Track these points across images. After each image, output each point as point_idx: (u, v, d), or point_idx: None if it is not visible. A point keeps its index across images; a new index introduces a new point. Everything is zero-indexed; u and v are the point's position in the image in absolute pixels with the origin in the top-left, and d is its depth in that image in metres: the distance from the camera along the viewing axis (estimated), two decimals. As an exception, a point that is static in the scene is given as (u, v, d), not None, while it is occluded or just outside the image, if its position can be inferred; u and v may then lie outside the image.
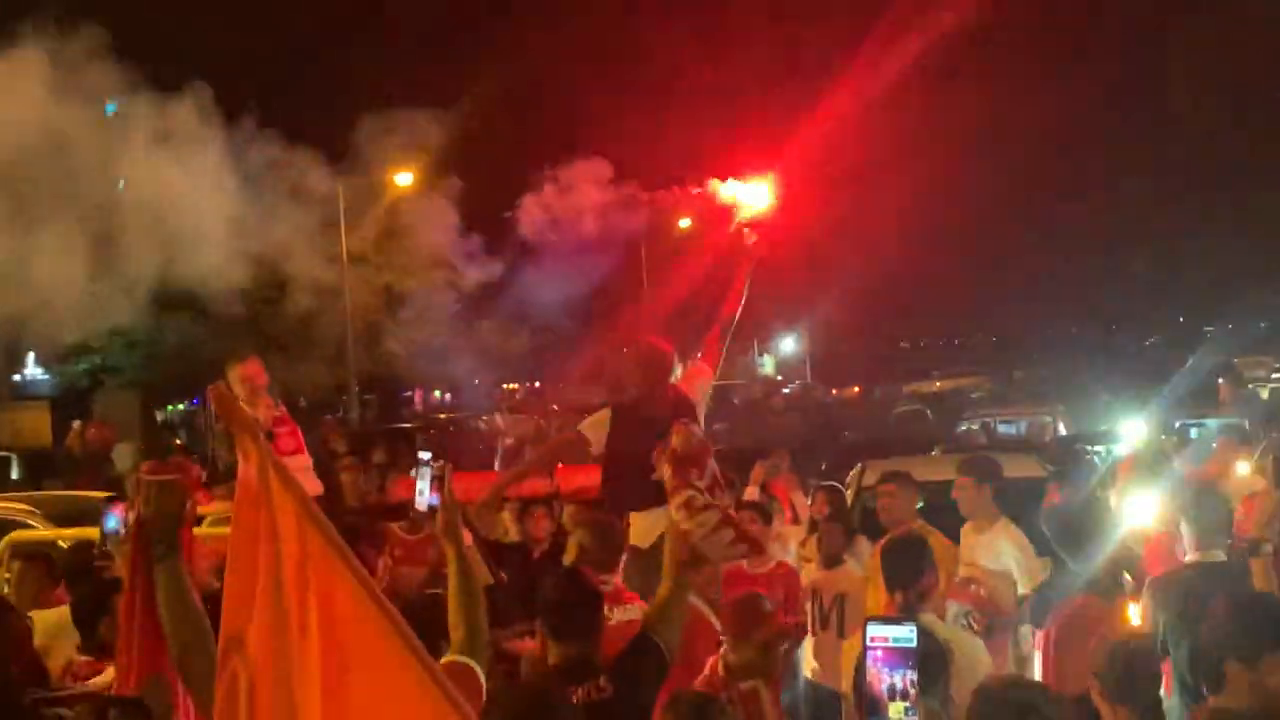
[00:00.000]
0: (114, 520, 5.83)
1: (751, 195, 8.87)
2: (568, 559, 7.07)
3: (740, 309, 8.40)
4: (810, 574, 8.93)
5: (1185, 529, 6.67)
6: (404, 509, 9.31)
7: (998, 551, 7.72)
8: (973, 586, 7.24)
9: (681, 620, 5.52)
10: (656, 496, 7.48)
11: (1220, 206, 74.79)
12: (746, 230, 8.76)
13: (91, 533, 8.54)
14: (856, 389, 59.37)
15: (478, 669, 4.97)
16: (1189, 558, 6.63)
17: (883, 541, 7.12)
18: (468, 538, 5.79)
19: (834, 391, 57.73)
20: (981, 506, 8.19)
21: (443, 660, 5.30)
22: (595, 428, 7.98)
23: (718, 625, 6.08)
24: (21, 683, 5.68)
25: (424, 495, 5.47)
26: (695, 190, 9.01)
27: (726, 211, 8.89)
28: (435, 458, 5.73)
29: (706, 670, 6.00)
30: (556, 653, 5.45)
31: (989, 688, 4.36)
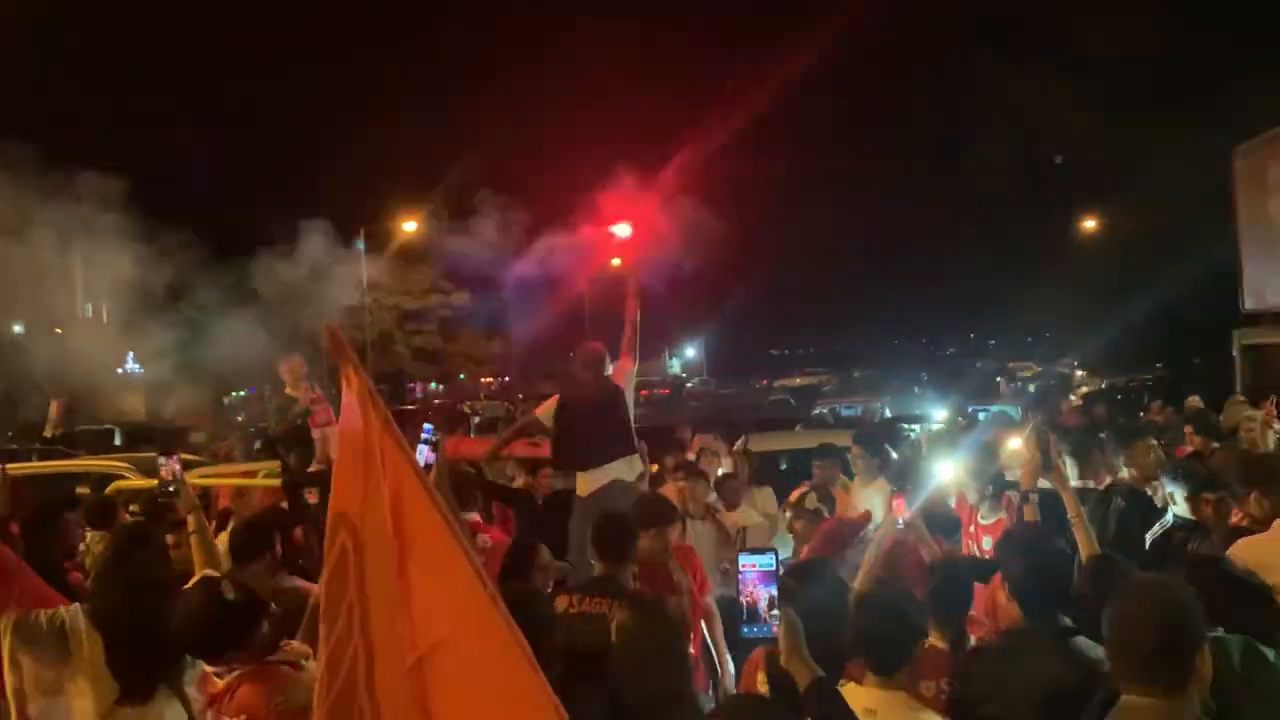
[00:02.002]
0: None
1: (620, 238, 9.07)
2: None
3: (637, 318, 8.41)
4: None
5: (969, 480, 6.91)
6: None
7: (876, 502, 7.79)
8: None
9: None
10: (596, 460, 7.77)
11: (1001, 254, 75.56)
12: (624, 265, 9.03)
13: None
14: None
15: None
16: (972, 499, 6.87)
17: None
18: None
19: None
20: (867, 469, 8.36)
21: None
22: (547, 413, 8.10)
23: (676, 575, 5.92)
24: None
25: (421, 456, 5.50)
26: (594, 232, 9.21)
27: (610, 248, 9.11)
28: (434, 431, 5.77)
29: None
30: (599, 568, 5.36)
31: (866, 593, 4.33)
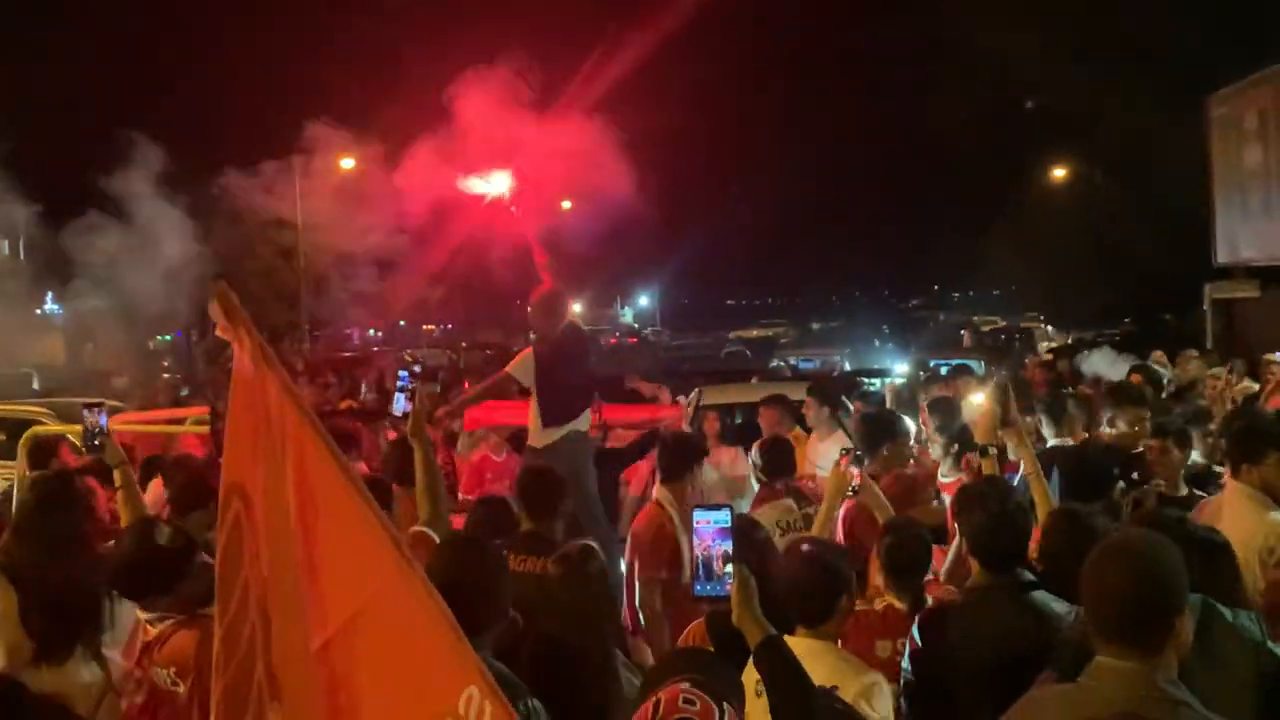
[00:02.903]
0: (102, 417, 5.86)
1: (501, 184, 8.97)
2: None
3: (545, 260, 8.35)
4: None
5: (933, 431, 7.04)
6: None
7: (832, 455, 7.85)
8: (809, 482, 7.31)
9: None
10: (576, 413, 7.75)
11: (969, 204, 75.90)
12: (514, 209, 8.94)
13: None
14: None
15: (436, 537, 5.01)
16: (933, 451, 6.96)
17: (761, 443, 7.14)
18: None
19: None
20: (822, 421, 8.43)
21: (411, 529, 5.34)
22: (521, 369, 7.92)
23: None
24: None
25: (400, 404, 5.51)
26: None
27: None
28: (410, 379, 5.78)
29: None
30: (526, 524, 5.47)
31: (791, 546, 4.36)
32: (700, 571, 3.53)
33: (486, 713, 2.44)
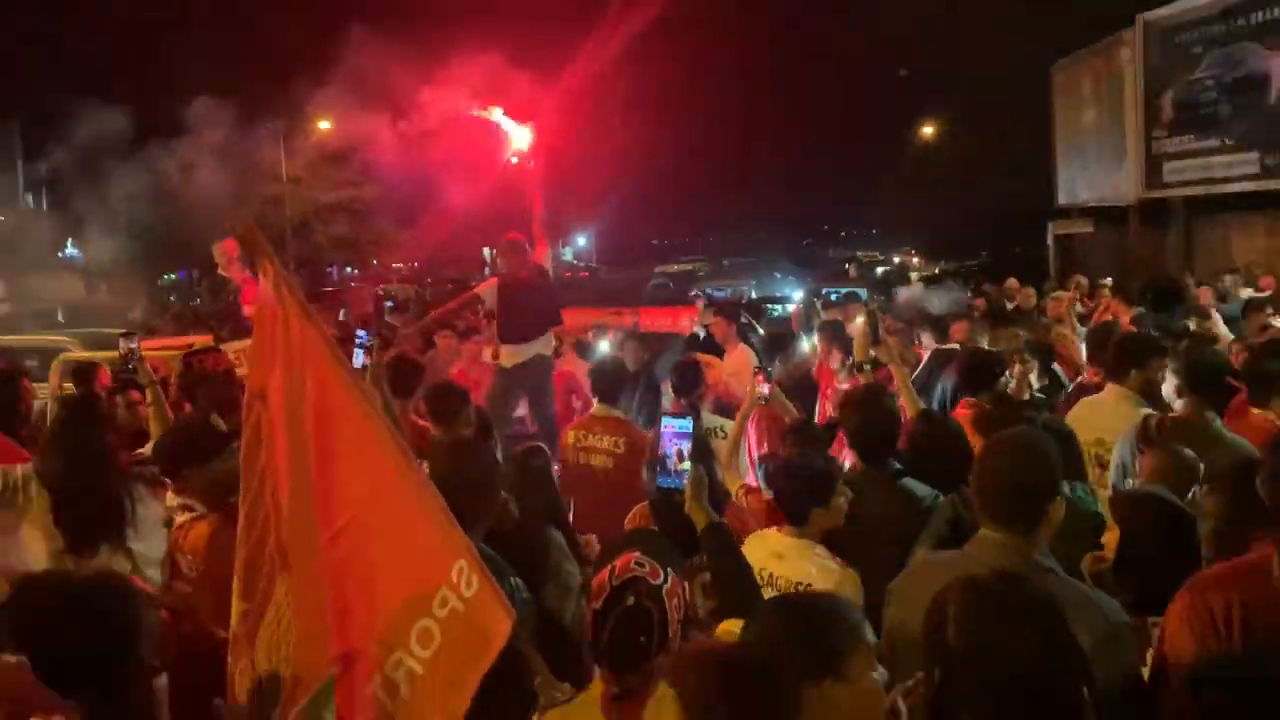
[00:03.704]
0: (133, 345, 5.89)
1: (519, 134, 8.92)
2: None
3: (543, 208, 8.40)
4: None
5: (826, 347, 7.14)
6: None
7: (739, 365, 7.90)
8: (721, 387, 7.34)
9: None
10: (534, 333, 7.80)
11: (854, 161, 76.03)
12: (522, 159, 8.88)
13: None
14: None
15: None
16: (834, 363, 7.08)
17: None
18: None
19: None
20: (730, 337, 8.52)
21: None
22: (488, 293, 8.00)
23: None
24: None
25: (359, 359, 5.42)
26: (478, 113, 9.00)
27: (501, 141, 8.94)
28: (368, 337, 5.68)
29: None
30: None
31: (781, 457, 4.33)
32: (660, 467, 3.58)
33: (474, 584, 2.47)
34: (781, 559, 3.64)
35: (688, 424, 3.59)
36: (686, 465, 3.51)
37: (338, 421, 2.55)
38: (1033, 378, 6.68)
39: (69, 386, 7.31)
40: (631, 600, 2.60)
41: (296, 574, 2.51)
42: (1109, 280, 13.04)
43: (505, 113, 8.92)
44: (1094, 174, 24.34)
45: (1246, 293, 12.37)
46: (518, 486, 3.98)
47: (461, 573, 2.47)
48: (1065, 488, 3.08)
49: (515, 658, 2.55)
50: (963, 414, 4.94)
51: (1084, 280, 13.85)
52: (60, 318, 21.12)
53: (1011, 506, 2.82)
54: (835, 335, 7.32)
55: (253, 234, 2.72)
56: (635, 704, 2.57)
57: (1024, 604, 2.01)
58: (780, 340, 8.47)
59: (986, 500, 2.88)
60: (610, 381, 5.90)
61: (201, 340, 10.00)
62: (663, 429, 3.60)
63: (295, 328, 2.59)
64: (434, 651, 2.45)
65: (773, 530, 3.82)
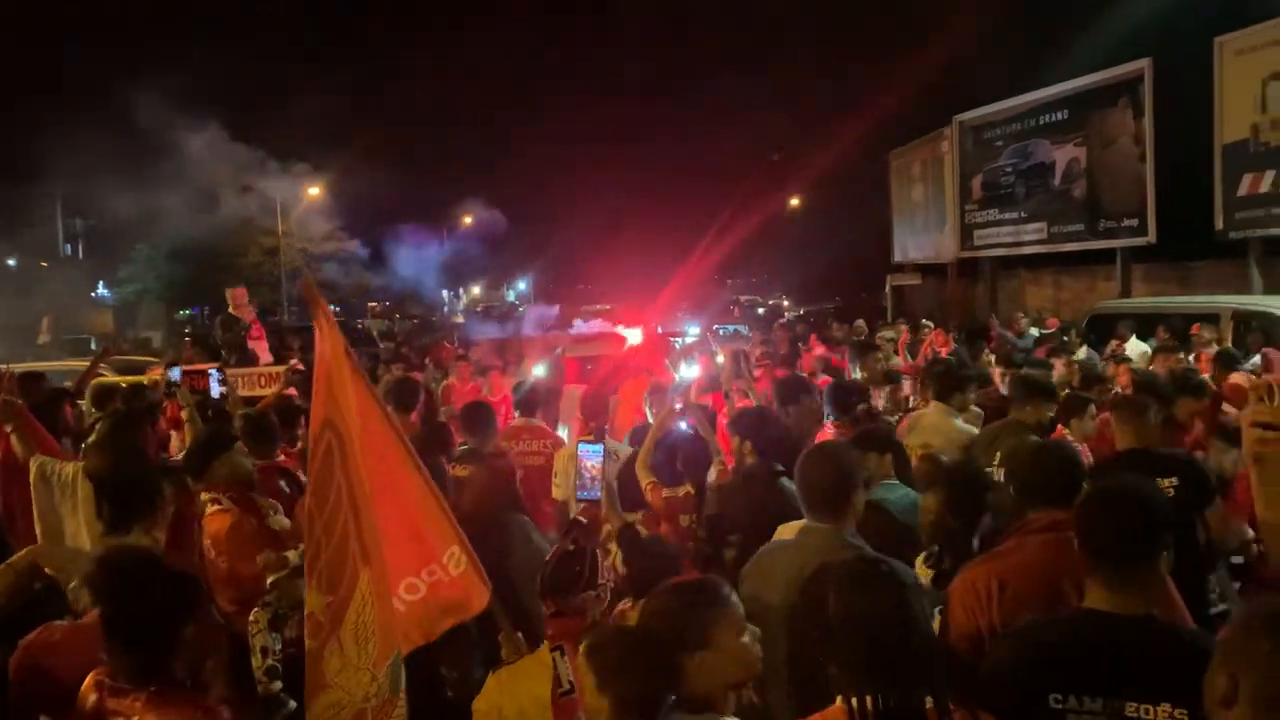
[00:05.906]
0: (176, 372, 5.99)
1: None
2: None
3: None
4: None
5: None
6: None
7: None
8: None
9: None
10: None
11: (738, 223, 77.07)
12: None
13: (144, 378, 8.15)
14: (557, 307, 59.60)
15: None
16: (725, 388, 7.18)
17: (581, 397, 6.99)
18: None
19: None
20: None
21: None
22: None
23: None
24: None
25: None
26: None
27: None
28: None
29: None
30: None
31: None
32: (578, 483, 3.69)
33: (463, 564, 2.78)
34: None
35: (599, 448, 3.70)
36: (599, 480, 3.66)
37: (379, 444, 2.75)
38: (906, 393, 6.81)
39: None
40: (571, 546, 2.72)
41: (376, 568, 2.56)
42: (929, 322, 13.42)
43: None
44: (921, 237, 25.12)
45: (1034, 331, 12.90)
46: (483, 481, 4.09)
47: (453, 555, 2.78)
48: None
49: (487, 617, 2.84)
50: (829, 433, 4.98)
51: (911, 321, 14.27)
52: (93, 346, 20.51)
53: (824, 500, 2.94)
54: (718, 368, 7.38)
55: (311, 293, 2.77)
56: (570, 620, 2.65)
57: (882, 578, 2.09)
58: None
59: (806, 497, 3.01)
60: (529, 398, 6.12)
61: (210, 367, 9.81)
62: (581, 452, 3.71)
63: (350, 375, 2.68)
64: (418, 598, 2.77)
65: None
